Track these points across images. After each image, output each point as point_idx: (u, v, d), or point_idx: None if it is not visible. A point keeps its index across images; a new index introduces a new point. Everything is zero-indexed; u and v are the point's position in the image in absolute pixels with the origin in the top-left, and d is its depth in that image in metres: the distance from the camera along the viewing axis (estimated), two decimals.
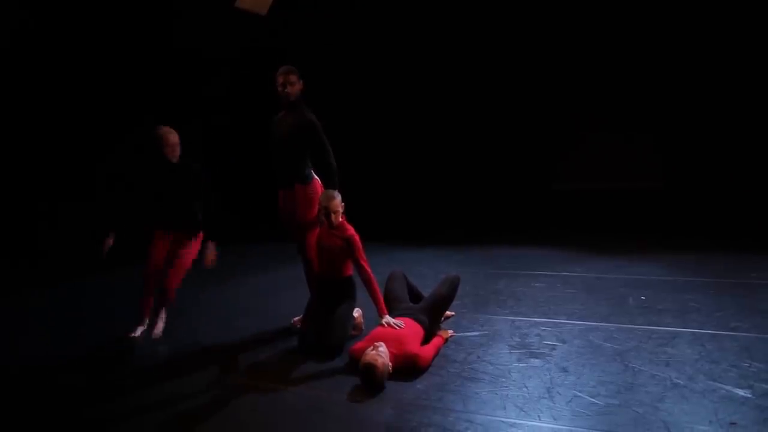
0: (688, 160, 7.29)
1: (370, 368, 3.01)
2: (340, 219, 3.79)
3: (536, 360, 3.33)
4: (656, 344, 3.50)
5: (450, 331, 3.78)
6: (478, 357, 3.43)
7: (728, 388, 2.84)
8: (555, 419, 2.63)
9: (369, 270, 3.73)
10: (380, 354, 3.07)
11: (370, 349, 3.13)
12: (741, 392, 2.78)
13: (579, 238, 7.13)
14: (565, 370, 3.18)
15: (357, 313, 4.00)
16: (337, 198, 3.76)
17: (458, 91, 8.42)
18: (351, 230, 3.81)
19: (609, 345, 3.52)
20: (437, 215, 8.54)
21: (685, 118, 7.25)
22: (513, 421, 2.65)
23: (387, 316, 3.58)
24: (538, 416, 2.67)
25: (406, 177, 8.82)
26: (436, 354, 3.42)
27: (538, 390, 2.95)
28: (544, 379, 3.08)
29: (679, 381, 2.95)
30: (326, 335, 3.65)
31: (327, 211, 3.72)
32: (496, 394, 2.94)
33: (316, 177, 4.08)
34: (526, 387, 2.99)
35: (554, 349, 3.51)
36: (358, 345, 3.35)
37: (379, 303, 3.67)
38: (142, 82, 7.46)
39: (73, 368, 3.61)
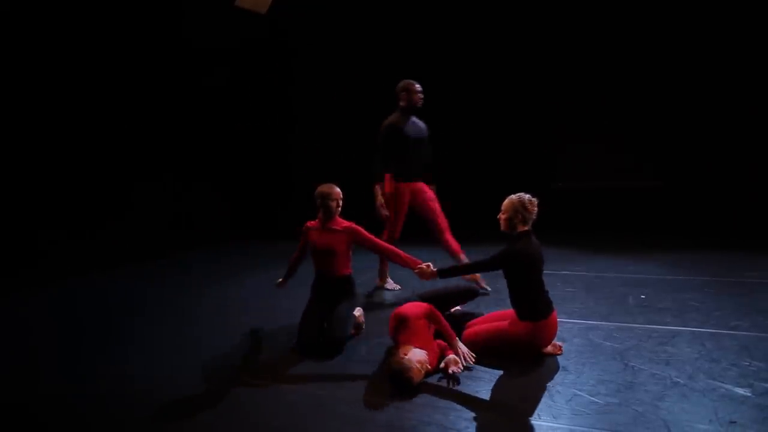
0: (688, 159, 7.29)
1: (407, 378, 2.94)
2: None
3: (536, 359, 3.33)
4: (656, 343, 3.50)
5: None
6: (478, 355, 3.43)
7: (728, 386, 2.84)
8: (555, 417, 2.63)
9: (383, 242, 3.80)
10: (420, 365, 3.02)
11: (412, 354, 3.04)
12: (741, 391, 2.79)
13: (578, 236, 7.14)
14: (564, 368, 3.18)
15: (358, 312, 4.00)
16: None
17: (457, 90, 8.42)
18: (345, 221, 3.84)
19: (609, 344, 3.53)
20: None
21: (685, 117, 7.25)
22: (513, 419, 2.65)
23: (421, 264, 3.60)
24: (538, 415, 2.67)
25: None
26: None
27: (538, 388, 2.95)
28: (544, 377, 3.08)
29: (678, 380, 2.95)
30: (326, 335, 3.66)
31: (331, 198, 3.78)
32: (497, 392, 2.94)
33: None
34: (526, 385, 2.99)
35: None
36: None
37: (407, 261, 3.69)
38: (139, 76, 7.45)
39: (75, 368, 3.61)
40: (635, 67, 7.45)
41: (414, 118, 5.00)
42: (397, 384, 2.98)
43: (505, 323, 3.42)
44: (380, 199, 4.85)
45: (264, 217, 9.30)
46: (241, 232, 8.78)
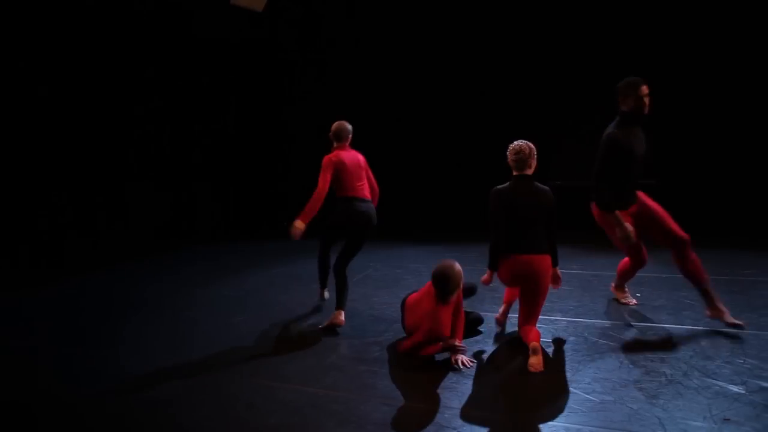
0: (683, 156, 7.32)
1: (452, 284, 3.28)
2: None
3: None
4: (651, 341, 3.53)
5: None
6: (475, 354, 3.46)
7: (722, 384, 2.87)
8: (550, 415, 2.65)
9: (320, 186, 4.00)
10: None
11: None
12: (734, 388, 2.82)
13: (575, 235, 7.14)
14: (560, 366, 3.20)
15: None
16: None
17: (455, 89, 8.43)
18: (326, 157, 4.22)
19: (604, 342, 3.55)
20: (433, 213, 8.55)
21: (680, 115, 7.27)
22: (510, 417, 2.67)
23: (299, 221, 3.85)
24: (535, 412, 2.70)
25: (404, 176, 8.83)
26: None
27: (534, 386, 2.97)
28: (540, 375, 3.10)
29: (673, 377, 2.98)
30: None
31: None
32: (493, 390, 2.97)
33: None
34: (523, 383, 3.02)
35: (550, 345, 3.54)
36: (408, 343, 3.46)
37: (306, 212, 3.89)
38: (139, 77, 7.45)
39: (74, 367, 3.62)
40: (630, 64, 7.43)
41: (639, 129, 3.83)
42: (444, 280, 3.26)
43: None
44: (626, 227, 3.88)
45: (263, 216, 9.30)
46: (240, 231, 8.78)
